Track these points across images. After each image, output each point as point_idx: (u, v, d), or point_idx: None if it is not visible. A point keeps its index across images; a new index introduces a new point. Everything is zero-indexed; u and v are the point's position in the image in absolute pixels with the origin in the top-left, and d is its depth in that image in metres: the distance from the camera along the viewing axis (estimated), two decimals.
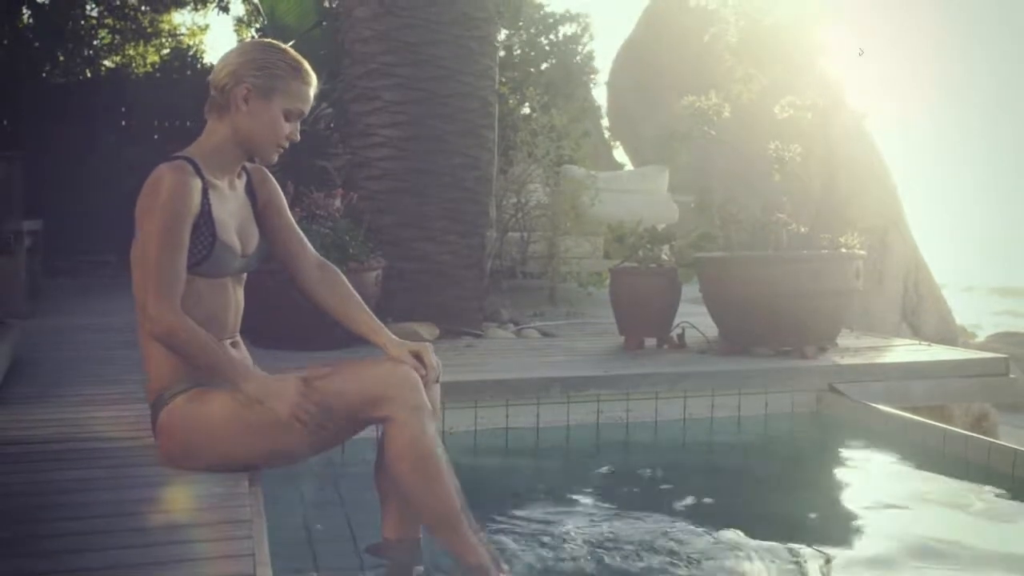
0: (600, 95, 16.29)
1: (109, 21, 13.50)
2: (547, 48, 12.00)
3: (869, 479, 3.75)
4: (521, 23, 10.78)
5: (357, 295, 2.74)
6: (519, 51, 11.07)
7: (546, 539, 2.82)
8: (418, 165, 5.60)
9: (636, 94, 15.73)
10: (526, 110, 9.52)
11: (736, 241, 5.06)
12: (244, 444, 2.40)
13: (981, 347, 11.97)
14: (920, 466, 3.67)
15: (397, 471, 2.33)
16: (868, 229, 8.98)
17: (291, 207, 5.20)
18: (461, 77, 5.67)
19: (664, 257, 5.56)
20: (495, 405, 4.06)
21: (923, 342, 5.87)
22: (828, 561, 2.71)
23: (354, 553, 2.56)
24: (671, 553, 2.72)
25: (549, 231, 8.05)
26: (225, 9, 13.02)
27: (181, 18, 14.67)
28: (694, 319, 5.31)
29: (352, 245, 4.96)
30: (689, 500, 3.25)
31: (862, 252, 4.88)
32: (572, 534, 2.89)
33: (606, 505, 3.28)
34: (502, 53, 8.95)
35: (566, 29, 12.59)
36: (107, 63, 13.38)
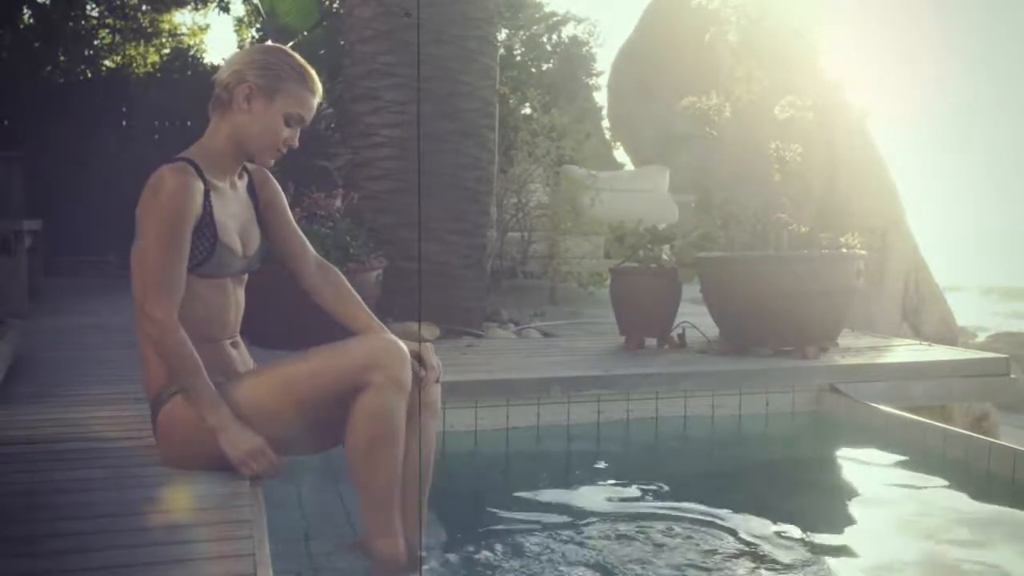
0: (601, 95, 16.30)
1: (109, 21, 13.49)
2: (549, 48, 12.01)
3: (869, 479, 3.75)
4: (522, 22, 10.79)
5: (358, 296, 2.76)
6: (520, 50, 11.08)
7: (546, 539, 2.82)
8: (419, 165, 5.60)
9: (636, 94, 15.72)
10: (527, 110, 9.52)
11: (737, 241, 5.06)
12: None
13: (982, 347, 11.98)
14: (920, 466, 3.67)
15: (355, 434, 2.35)
16: (869, 229, 8.98)
17: (292, 207, 5.21)
18: (461, 77, 5.68)
19: (665, 257, 5.56)
20: (495, 405, 4.06)
21: (924, 342, 5.87)
22: (828, 561, 2.70)
23: (355, 553, 2.55)
24: (671, 553, 2.72)
25: (550, 231, 8.05)
26: (226, 9, 13.02)
27: (182, 18, 14.67)
28: (694, 319, 5.31)
29: (353, 245, 4.96)
30: (689, 500, 3.24)
31: (863, 252, 4.88)
32: (572, 534, 2.89)
33: (606, 505, 3.27)
34: (502, 52, 8.95)
35: (570, 31, 12.61)
36: (107, 63, 13.38)
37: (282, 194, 2.80)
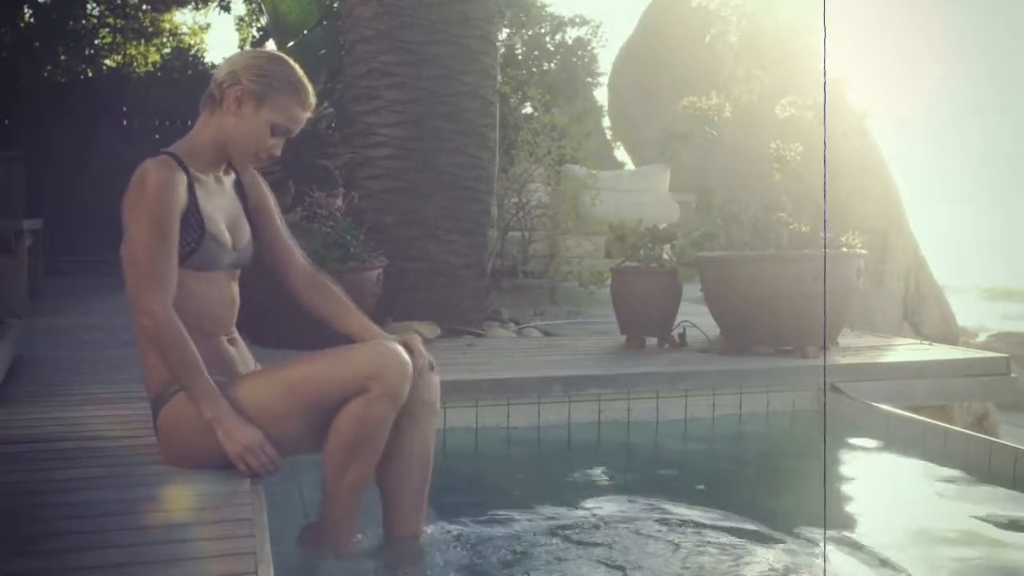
0: (601, 95, 16.29)
1: (110, 20, 13.50)
2: (551, 49, 12.00)
3: (870, 478, 3.75)
4: (524, 18, 10.77)
5: (350, 302, 2.79)
6: (522, 49, 11.07)
7: (547, 538, 2.82)
8: (419, 164, 5.60)
9: (637, 94, 15.72)
10: (528, 109, 9.52)
11: (737, 240, 5.06)
12: None
13: (982, 347, 11.98)
14: (921, 465, 3.67)
15: (340, 433, 2.37)
16: (869, 229, 8.98)
17: (293, 206, 5.24)
18: (462, 76, 5.68)
19: (665, 256, 5.56)
20: (496, 404, 4.06)
21: (924, 342, 5.87)
22: (828, 560, 2.70)
23: (356, 549, 2.56)
24: (672, 552, 2.71)
25: (550, 230, 8.06)
26: (226, 8, 13.03)
27: (182, 17, 14.67)
28: (695, 318, 5.31)
29: (353, 244, 4.96)
30: (690, 499, 3.24)
31: (863, 251, 4.88)
32: (573, 533, 2.89)
33: (607, 504, 3.27)
34: (503, 51, 8.95)
35: (573, 32, 12.58)
36: (108, 62, 13.38)
37: (270, 197, 2.81)
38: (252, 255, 2.72)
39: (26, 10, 12.12)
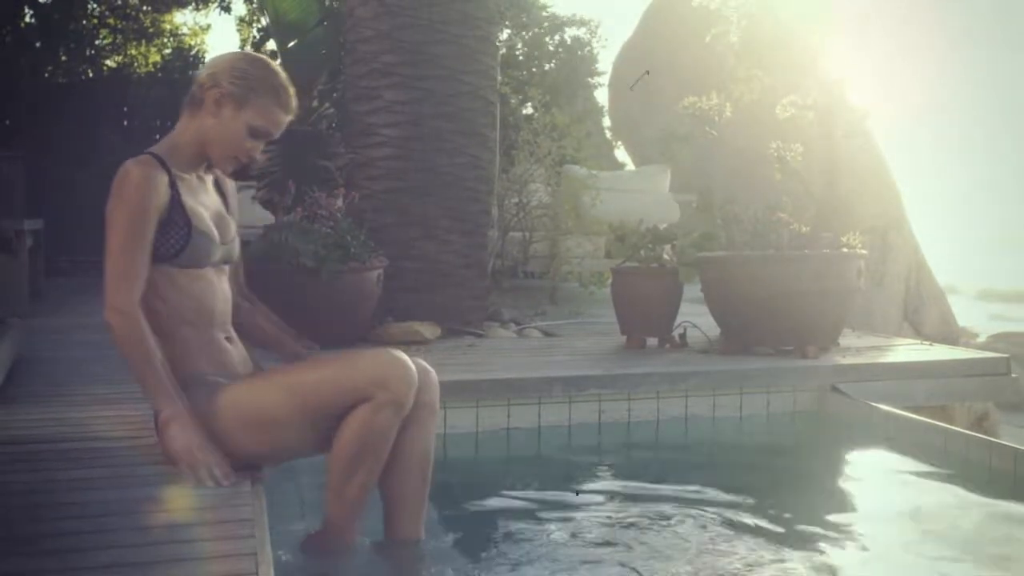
0: (602, 95, 16.29)
1: (111, 21, 13.50)
2: (551, 49, 12.01)
3: (870, 479, 3.75)
4: (525, 19, 10.78)
5: (271, 318, 2.85)
6: (523, 49, 11.07)
7: (547, 537, 2.82)
8: (419, 165, 5.60)
9: (637, 94, 15.71)
10: (528, 110, 9.52)
11: (738, 241, 5.06)
12: (245, 440, 2.41)
13: (982, 347, 11.97)
14: (921, 466, 3.67)
15: (346, 441, 2.37)
16: (870, 229, 8.98)
17: (293, 207, 5.23)
18: (462, 76, 5.68)
19: (666, 257, 5.56)
20: (497, 404, 4.06)
21: (924, 342, 5.87)
22: (829, 560, 2.70)
23: (357, 550, 2.56)
24: (673, 551, 2.72)
25: (551, 231, 8.06)
26: (227, 9, 13.03)
27: (183, 18, 14.67)
28: (696, 319, 5.31)
29: (354, 245, 4.96)
30: (690, 499, 3.24)
31: (864, 252, 4.88)
32: (573, 532, 2.89)
33: (607, 504, 3.28)
34: (503, 51, 8.95)
35: (573, 32, 12.59)
36: (109, 63, 13.39)
37: (236, 206, 2.80)
38: (237, 251, 2.73)
39: (27, 10, 12.12)
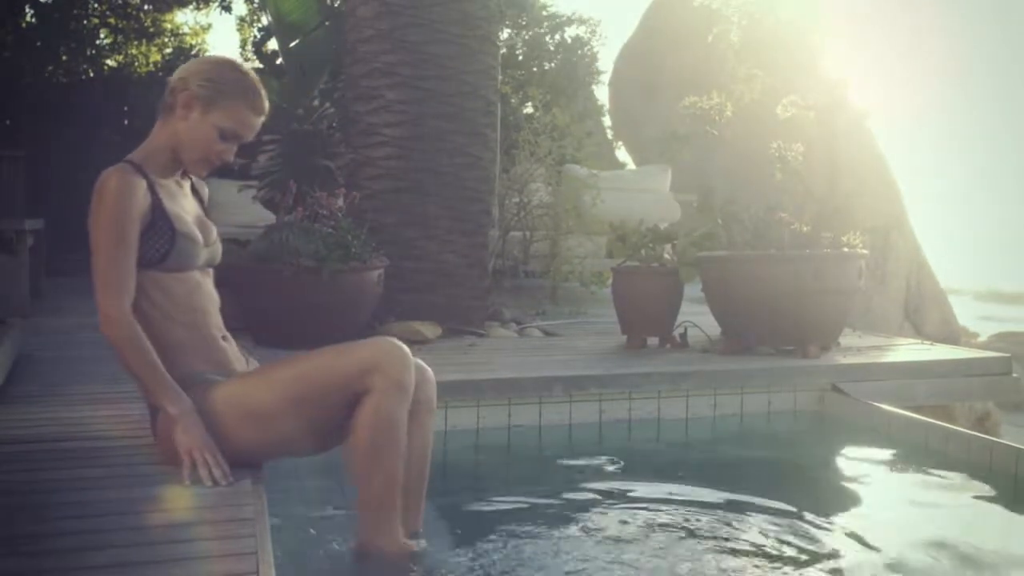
0: (602, 94, 16.29)
1: (111, 20, 13.50)
2: (551, 48, 12.01)
3: (871, 478, 3.75)
4: (524, 22, 10.79)
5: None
6: (523, 49, 11.08)
7: (548, 537, 2.82)
8: (420, 164, 5.60)
9: (638, 93, 15.71)
10: (528, 109, 9.52)
11: (739, 240, 5.06)
12: (241, 436, 2.41)
13: (983, 347, 11.97)
14: (922, 465, 3.67)
15: (358, 437, 2.35)
16: (871, 229, 8.97)
17: (294, 207, 5.23)
18: (463, 76, 5.68)
19: (666, 256, 5.56)
20: (497, 404, 4.06)
21: (925, 341, 5.87)
22: (829, 559, 2.70)
23: (356, 552, 2.56)
24: (673, 551, 2.71)
25: (551, 230, 8.05)
26: (227, 8, 13.03)
27: (183, 17, 14.68)
28: (696, 318, 5.31)
29: (355, 244, 4.96)
30: (691, 499, 3.24)
31: (864, 251, 4.88)
32: (574, 532, 2.89)
33: (608, 503, 3.27)
34: (504, 51, 8.95)
35: (573, 31, 12.59)
36: (109, 63, 13.39)
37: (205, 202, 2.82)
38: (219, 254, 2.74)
39: (28, 10, 12.12)
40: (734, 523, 2.97)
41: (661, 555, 2.69)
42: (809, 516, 3.05)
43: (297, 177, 5.69)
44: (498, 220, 7.18)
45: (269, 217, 6.12)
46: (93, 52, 13.15)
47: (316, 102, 6.16)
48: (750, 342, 4.88)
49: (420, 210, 5.60)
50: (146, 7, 13.60)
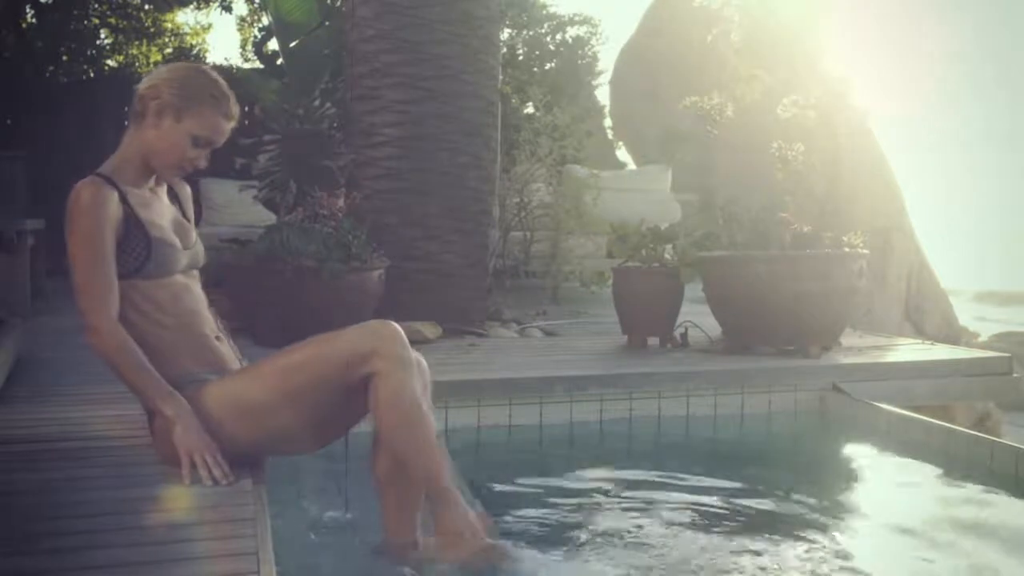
0: (603, 94, 16.28)
1: (112, 20, 13.50)
2: (552, 48, 12.01)
3: (872, 478, 3.75)
4: (526, 19, 10.78)
5: (228, 335, 2.81)
6: (524, 49, 11.08)
7: (548, 536, 2.82)
8: (421, 164, 5.60)
9: (639, 94, 15.70)
10: (529, 109, 9.52)
11: (739, 240, 5.06)
12: (239, 432, 2.41)
13: (984, 347, 11.96)
14: (923, 465, 3.67)
15: (383, 423, 2.35)
16: (871, 229, 8.97)
17: (294, 207, 5.23)
18: (464, 76, 5.68)
19: (667, 256, 5.55)
20: (498, 404, 4.06)
21: (926, 341, 5.87)
22: (830, 558, 2.70)
23: (357, 551, 2.56)
24: (674, 550, 2.71)
25: (552, 230, 8.05)
26: (228, 8, 13.03)
27: (184, 17, 14.68)
28: (697, 318, 5.31)
29: (355, 244, 4.96)
30: (691, 498, 3.24)
31: (865, 251, 4.88)
32: (574, 532, 2.89)
33: (609, 504, 3.27)
34: (504, 51, 8.95)
35: (574, 31, 12.58)
36: (110, 63, 13.39)
37: (193, 215, 2.82)
38: (204, 253, 2.74)
39: (28, 10, 12.12)
40: (734, 523, 2.97)
41: (662, 554, 2.69)
42: (809, 515, 3.05)
43: (298, 177, 5.69)
44: (499, 220, 7.17)
45: (270, 217, 6.12)
46: (94, 52, 13.15)
47: (317, 102, 6.16)
48: (750, 342, 4.87)
49: (421, 210, 5.60)
50: (147, 7, 13.61)
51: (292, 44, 6.66)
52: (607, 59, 17.35)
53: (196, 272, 2.70)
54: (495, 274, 6.87)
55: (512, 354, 4.93)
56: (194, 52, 13.43)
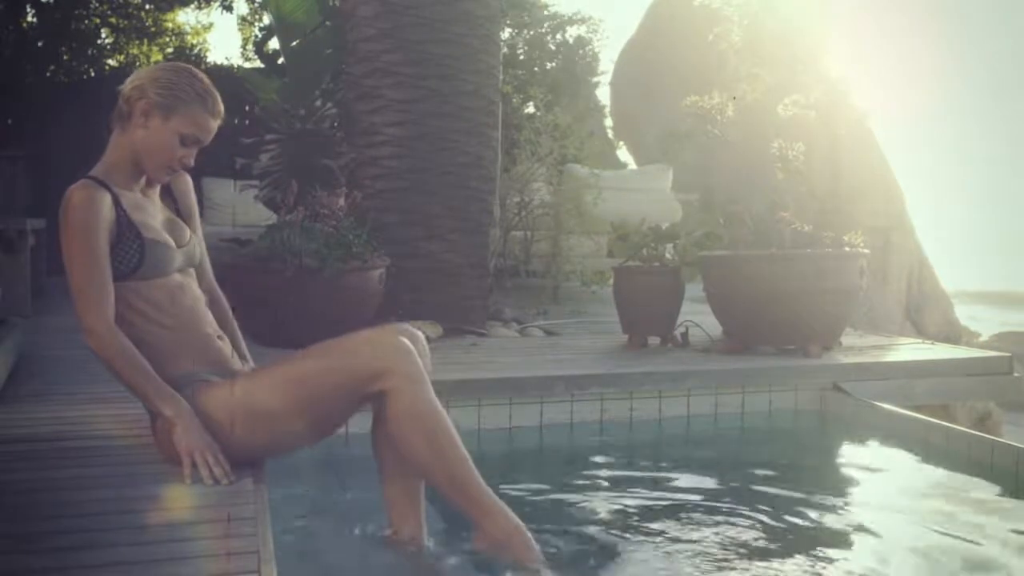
0: (603, 94, 16.28)
1: (113, 20, 13.50)
2: (553, 48, 12.00)
3: (872, 478, 3.75)
4: (527, 19, 10.78)
5: (237, 328, 2.82)
6: (524, 48, 11.07)
7: (548, 536, 2.82)
8: (422, 164, 5.60)
9: (639, 93, 15.72)
10: (530, 109, 9.52)
11: (740, 240, 5.06)
12: (246, 436, 2.42)
13: (984, 346, 11.97)
14: (923, 465, 3.67)
15: (402, 439, 2.36)
16: (872, 228, 8.98)
17: (295, 206, 5.23)
18: (464, 76, 5.68)
19: (668, 256, 5.56)
20: (499, 403, 4.06)
21: (927, 341, 5.87)
22: (830, 558, 2.70)
23: (359, 549, 2.56)
24: (674, 549, 2.71)
25: (553, 230, 8.06)
26: (228, 8, 13.03)
27: (185, 17, 14.67)
28: (698, 318, 5.31)
29: (356, 244, 4.96)
30: (692, 498, 3.24)
31: (866, 251, 4.88)
32: (575, 531, 2.89)
33: (609, 502, 3.27)
34: (505, 51, 8.95)
35: (575, 31, 12.58)
36: (111, 62, 13.39)
37: (196, 207, 2.82)
38: (199, 253, 2.74)
39: (29, 9, 12.12)
40: (734, 522, 2.97)
41: (662, 553, 2.69)
42: (810, 515, 3.05)
43: (298, 177, 5.69)
44: (499, 219, 7.18)
45: (270, 217, 6.12)
46: (94, 52, 13.14)
47: (318, 102, 6.16)
48: (751, 341, 4.87)
49: (421, 209, 5.60)
50: (147, 7, 13.60)
51: (293, 44, 6.65)
52: (608, 59, 17.36)
53: (192, 270, 2.70)
54: (496, 273, 6.88)
55: (513, 353, 4.93)
56: (195, 52, 13.43)
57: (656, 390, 4.27)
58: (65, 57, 12.41)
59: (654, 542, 2.78)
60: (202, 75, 2.60)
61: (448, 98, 5.63)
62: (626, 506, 3.19)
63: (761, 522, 2.97)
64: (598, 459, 4.00)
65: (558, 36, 12.30)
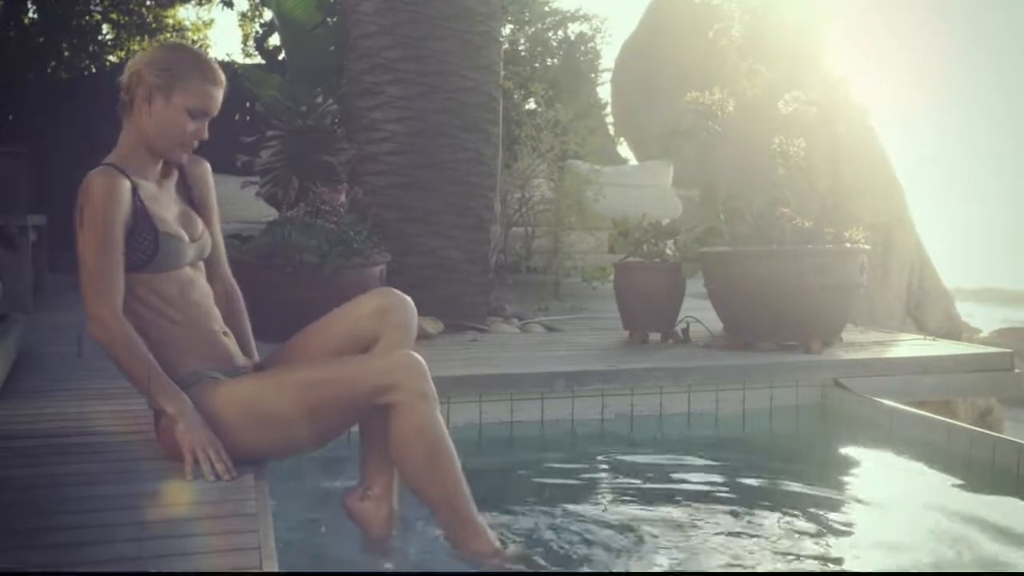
0: (605, 91, 16.27)
1: (113, 16, 13.50)
2: (554, 45, 11.99)
3: (872, 474, 3.75)
4: (528, 15, 10.77)
5: (248, 324, 2.82)
6: (525, 44, 11.06)
7: (548, 533, 2.82)
8: (422, 160, 5.60)
9: (640, 89, 15.71)
10: (531, 105, 9.51)
11: (740, 236, 5.06)
12: (251, 437, 2.42)
13: (985, 343, 11.97)
14: (924, 461, 3.66)
15: (403, 456, 2.38)
16: (873, 224, 8.97)
17: (296, 202, 5.23)
18: (465, 72, 5.67)
19: (668, 252, 5.56)
20: (499, 399, 4.06)
21: (928, 337, 5.87)
22: (831, 554, 2.70)
23: (359, 546, 2.56)
24: (675, 545, 2.72)
25: (553, 226, 8.05)
26: (229, 4, 13.03)
27: (185, 13, 14.68)
28: (698, 314, 5.31)
29: (357, 240, 4.96)
30: (693, 494, 3.24)
31: (867, 247, 4.87)
32: (575, 528, 2.89)
33: (610, 500, 3.27)
34: (506, 47, 8.94)
35: (576, 27, 12.57)
36: (112, 58, 13.39)
37: (214, 196, 2.83)
38: (211, 245, 2.74)
39: (30, 6, 12.12)
40: (735, 518, 2.97)
41: (663, 549, 2.69)
42: (811, 511, 3.05)
43: (299, 173, 5.69)
44: (500, 215, 7.18)
45: (271, 213, 6.12)
46: (95, 48, 13.15)
47: (319, 98, 6.15)
48: (752, 337, 4.87)
49: (422, 205, 5.60)
50: (148, 3, 13.61)
51: (294, 40, 6.64)
52: (609, 55, 17.35)
53: (202, 264, 2.70)
54: (496, 269, 6.87)
55: (513, 349, 4.93)
56: (196, 48, 13.43)
57: (657, 386, 4.27)
58: (66, 53, 12.42)
59: (654, 538, 2.78)
60: (193, 47, 2.61)
61: (449, 94, 5.63)
62: (626, 502, 3.20)
63: (760, 518, 2.97)
64: (599, 455, 4.00)
65: (560, 33, 12.29)
